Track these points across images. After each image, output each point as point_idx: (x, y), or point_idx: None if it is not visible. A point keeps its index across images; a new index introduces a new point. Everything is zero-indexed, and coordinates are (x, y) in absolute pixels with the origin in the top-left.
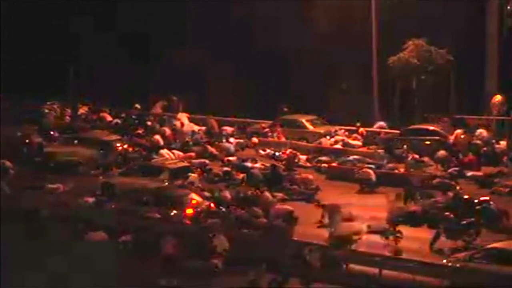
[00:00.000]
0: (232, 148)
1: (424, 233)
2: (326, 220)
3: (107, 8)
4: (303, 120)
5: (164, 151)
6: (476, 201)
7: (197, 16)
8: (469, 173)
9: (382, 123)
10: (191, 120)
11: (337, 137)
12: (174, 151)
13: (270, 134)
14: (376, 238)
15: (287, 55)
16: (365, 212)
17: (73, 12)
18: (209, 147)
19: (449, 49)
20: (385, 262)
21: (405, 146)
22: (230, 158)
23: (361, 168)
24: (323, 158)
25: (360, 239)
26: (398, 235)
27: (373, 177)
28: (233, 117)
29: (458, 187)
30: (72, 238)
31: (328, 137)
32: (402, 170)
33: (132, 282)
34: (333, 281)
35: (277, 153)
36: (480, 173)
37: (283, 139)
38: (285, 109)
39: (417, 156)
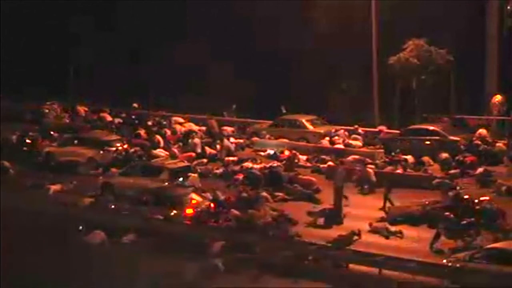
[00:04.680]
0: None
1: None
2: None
3: (107, 8)
4: (303, 120)
5: (159, 151)
6: (476, 201)
7: (197, 16)
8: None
9: (383, 127)
10: (191, 120)
11: (337, 138)
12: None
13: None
14: (376, 238)
15: (287, 55)
16: (365, 212)
17: (73, 12)
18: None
19: (449, 49)
20: (385, 262)
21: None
22: (231, 158)
23: (361, 168)
24: (323, 158)
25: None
26: (398, 235)
27: (373, 177)
28: (233, 117)
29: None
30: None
31: (328, 138)
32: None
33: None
34: (334, 281)
35: (277, 153)
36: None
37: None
38: (284, 111)
39: (408, 157)
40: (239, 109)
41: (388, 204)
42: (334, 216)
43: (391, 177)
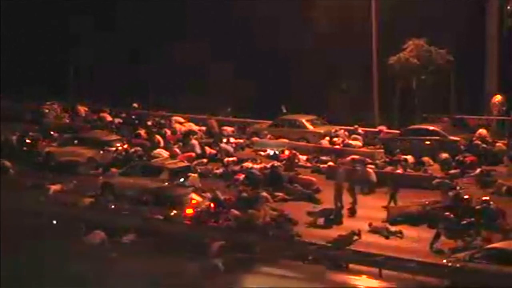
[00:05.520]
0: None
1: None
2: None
3: (107, 8)
4: (303, 120)
5: (159, 151)
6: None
7: (197, 16)
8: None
9: (383, 127)
10: (191, 120)
11: (337, 138)
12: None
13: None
14: (376, 238)
15: (287, 55)
16: (365, 212)
17: (73, 12)
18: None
19: (449, 49)
20: (385, 262)
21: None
22: (230, 158)
23: (361, 168)
24: (323, 158)
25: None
26: (398, 235)
27: (374, 177)
28: (233, 117)
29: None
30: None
31: (328, 138)
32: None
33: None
34: (333, 281)
35: (276, 152)
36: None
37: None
38: (284, 110)
39: (408, 157)
40: (239, 109)
41: (392, 204)
42: (334, 216)
43: (392, 177)
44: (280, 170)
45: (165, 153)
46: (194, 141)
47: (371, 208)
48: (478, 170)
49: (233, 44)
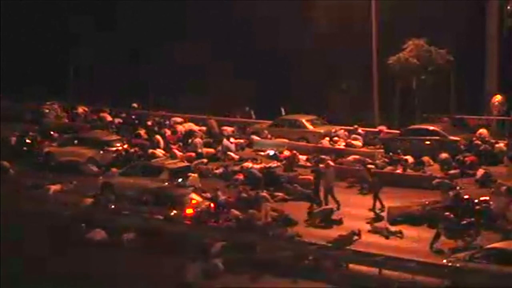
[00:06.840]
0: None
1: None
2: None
3: (107, 8)
4: (303, 120)
5: (159, 151)
6: (476, 201)
7: (197, 17)
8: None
9: (383, 127)
10: (191, 120)
11: (337, 138)
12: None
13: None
14: (376, 238)
15: (287, 55)
16: (365, 212)
17: (73, 12)
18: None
19: (449, 49)
20: (385, 262)
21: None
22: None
23: (361, 169)
24: (323, 158)
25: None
26: (398, 235)
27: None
28: (233, 117)
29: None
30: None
31: (328, 138)
32: None
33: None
34: (333, 281)
35: (276, 153)
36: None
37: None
38: (283, 112)
39: (408, 157)
40: (239, 109)
41: (376, 204)
42: (328, 215)
43: (378, 176)
44: (275, 171)
45: (162, 153)
46: (196, 140)
47: (369, 208)
48: (481, 171)
49: (233, 44)
